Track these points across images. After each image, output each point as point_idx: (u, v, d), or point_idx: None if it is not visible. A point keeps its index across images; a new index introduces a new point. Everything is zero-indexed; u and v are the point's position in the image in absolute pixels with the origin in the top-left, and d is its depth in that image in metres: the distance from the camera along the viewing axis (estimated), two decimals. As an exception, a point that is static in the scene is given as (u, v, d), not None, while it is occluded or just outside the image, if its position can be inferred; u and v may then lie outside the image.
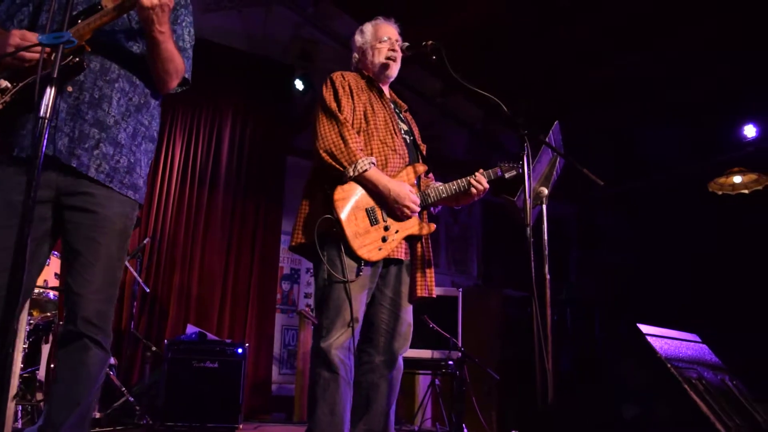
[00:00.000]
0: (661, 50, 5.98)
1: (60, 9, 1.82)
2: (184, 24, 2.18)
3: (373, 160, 2.41)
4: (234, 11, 6.22)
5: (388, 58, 2.67)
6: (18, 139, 1.85)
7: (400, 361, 2.51)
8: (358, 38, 2.77)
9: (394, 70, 2.71)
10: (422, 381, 5.44)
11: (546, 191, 2.40)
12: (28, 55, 1.79)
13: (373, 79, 2.68)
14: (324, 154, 2.38)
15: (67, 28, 1.54)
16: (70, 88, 1.88)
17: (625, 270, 8.07)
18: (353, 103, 2.52)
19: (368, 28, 2.75)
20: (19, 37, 1.80)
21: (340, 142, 2.38)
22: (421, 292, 2.51)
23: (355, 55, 2.77)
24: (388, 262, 2.48)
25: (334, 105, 2.47)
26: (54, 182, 1.85)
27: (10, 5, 2.03)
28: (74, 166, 1.86)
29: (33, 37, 1.81)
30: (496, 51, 6.20)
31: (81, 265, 1.89)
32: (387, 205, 2.41)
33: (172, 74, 2.03)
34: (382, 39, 2.70)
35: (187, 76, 2.13)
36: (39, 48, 1.75)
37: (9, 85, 1.81)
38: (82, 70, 1.84)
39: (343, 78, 2.58)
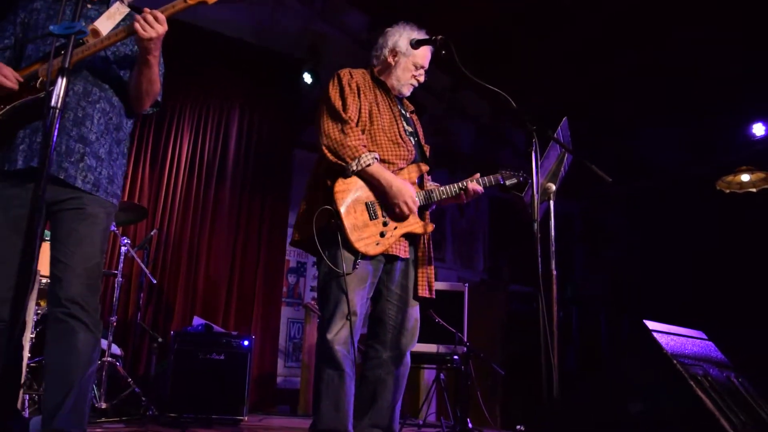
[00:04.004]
0: (660, 48, 5.94)
1: (44, 40, 2.10)
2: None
3: (377, 155, 2.41)
4: (243, 3, 6.19)
5: (411, 85, 2.70)
6: (7, 155, 1.99)
7: (407, 358, 2.51)
8: (399, 42, 2.65)
9: (408, 94, 2.74)
10: (427, 375, 5.45)
11: (554, 187, 2.41)
12: None
13: (383, 81, 2.67)
14: (327, 151, 2.39)
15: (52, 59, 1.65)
16: None
17: (630, 267, 8.06)
18: (359, 102, 2.52)
19: (414, 42, 2.62)
20: None
21: (343, 138, 2.38)
22: (422, 292, 2.52)
23: (384, 52, 2.68)
24: (392, 258, 2.48)
25: (339, 103, 2.47)
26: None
27: None
28: (62, 178, 1.98)
29: (8, 72, 1.95)
30: (496, 50, 6.16)
31: (63, 253, 1.99)
32: (386, 200, 2.41)
33: (152, 96, 2.21)
34: (418, 65, 2.67)
35: (159, 99, 2.29)
36: (9, 82, 1.92)
37: None
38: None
39: (351, 76, 2.56)
